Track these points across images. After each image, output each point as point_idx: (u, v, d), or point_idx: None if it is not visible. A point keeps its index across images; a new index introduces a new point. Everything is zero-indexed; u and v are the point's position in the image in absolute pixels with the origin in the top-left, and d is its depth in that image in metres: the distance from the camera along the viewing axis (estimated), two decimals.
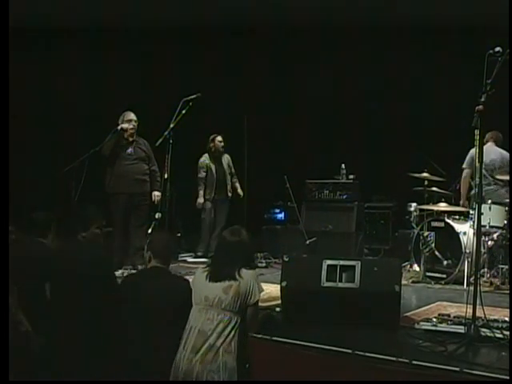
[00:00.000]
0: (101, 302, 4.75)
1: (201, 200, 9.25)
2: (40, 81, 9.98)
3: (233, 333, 4.31)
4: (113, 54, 10.59)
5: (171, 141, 7.52)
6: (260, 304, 4.68)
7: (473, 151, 8.01)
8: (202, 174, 9.26)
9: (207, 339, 4.26)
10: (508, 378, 3.74)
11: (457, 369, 3.88)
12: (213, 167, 9.33)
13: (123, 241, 7.77)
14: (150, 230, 7.46)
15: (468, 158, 8.08)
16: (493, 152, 7.95)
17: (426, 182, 7.91)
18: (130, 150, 7.91)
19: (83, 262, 4.85)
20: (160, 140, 7.50)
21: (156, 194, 7.97)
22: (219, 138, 9.34)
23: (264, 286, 4.70)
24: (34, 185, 9.24)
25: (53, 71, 10.07)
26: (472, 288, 4.57)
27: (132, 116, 8.02)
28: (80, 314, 4.67)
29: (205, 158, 9.34)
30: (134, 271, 6.93)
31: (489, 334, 4.47)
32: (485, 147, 8.02)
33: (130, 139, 7.95)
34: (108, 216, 7.15)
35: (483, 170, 7.86)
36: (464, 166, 8.15)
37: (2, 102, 4.77)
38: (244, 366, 4.39)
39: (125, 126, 7.84)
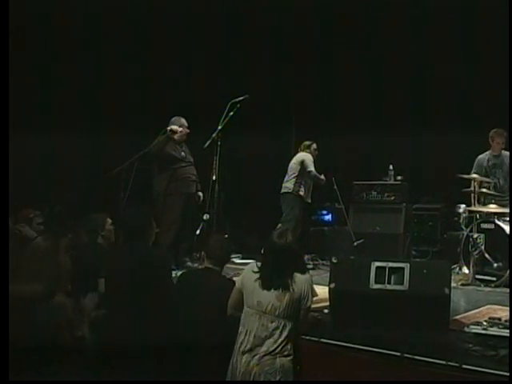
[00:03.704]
0: (156, 301, 4.82)
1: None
2: (90, 82, 10.12)
3: (288, 337, 4.33)
4: (161, 55, 10.68)
5: (219, 142, 7.58)
6: None
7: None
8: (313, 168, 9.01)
9: (263, 344, 4.28)
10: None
11: (507, 374, 3.83)
12: None
13: (173, 241, 7.81)
14: (198, 232, 7.54)
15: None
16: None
17: (475, 183, 7.82)
18: (183, 153, 7.98)
19: (142, 261, 4.93)
20: (208, 142, 7.57)
21: (200, 195, 8.11)
22: (314, 146, 9.21)
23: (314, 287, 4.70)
24: (85, 186, 9.38)
25: (103, 72, 10.21)
26: None
27: (183, 121, 8.07)
28: (134, 311, 4.73)
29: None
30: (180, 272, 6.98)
31: None
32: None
33: (181, 143, 8.02)
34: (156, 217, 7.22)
35: None
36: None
37: (3, 103, 4.77)
38: (296, 368, 4.41)
39: (174, 127, 7.89)
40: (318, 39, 10.77)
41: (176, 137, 7.94)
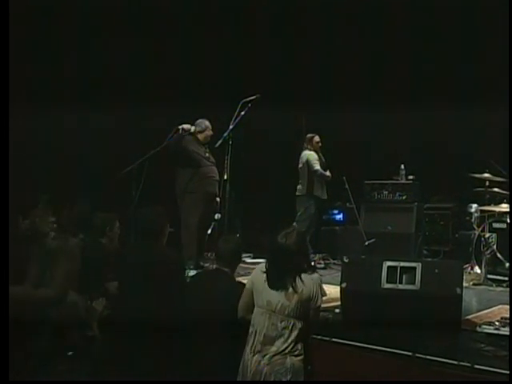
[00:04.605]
0: (168, 302, 4.83)
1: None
2: (100, 83, 10.15)
3: (298, 337, 4.31)
4: (174, 54, 10.69)
5: (230, 142, 7.59)
6: None
7: None
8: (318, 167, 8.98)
9: (274, 344, 4.26)
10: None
11: None
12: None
13: (194, 241, 7.80)
14: (209, 231, 7.54)
15: None
16: None
17: (487, 183, 7.79)
18: (207, 154, 8.00)
19: (155, 261, 4.93)
20: (219, 141, 7.57)
21: (218, 200, 8.06)
22: (316, 139, 9.16)
23: (323, 287, 4.70)
24: (95, 186, 9.40)
25: (113, 71, 10.23)
26: None
27: (208, 123, 8.09)
28: (146, 312, 4.73)
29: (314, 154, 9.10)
30: (194, 272, 6.98)
31: None
32: None
33: (205, 144, 8.04)
34: (174, 216, 7.21)
35: None
36: None
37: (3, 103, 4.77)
38: (306, 367, 4.40)
39: (186, 126, 7.90)
40: (321, 38, 10.77)
41: (201, 137, 8.00)
